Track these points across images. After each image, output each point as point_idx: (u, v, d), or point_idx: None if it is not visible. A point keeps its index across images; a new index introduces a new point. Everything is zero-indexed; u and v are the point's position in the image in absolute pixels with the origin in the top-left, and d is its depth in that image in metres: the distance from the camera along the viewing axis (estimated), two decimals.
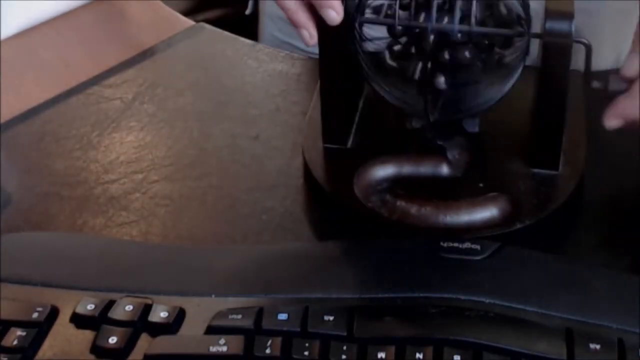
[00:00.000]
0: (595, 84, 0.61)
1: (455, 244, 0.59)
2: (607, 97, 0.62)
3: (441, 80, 0.62)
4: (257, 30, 0.97)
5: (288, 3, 0.63)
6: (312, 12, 0.63)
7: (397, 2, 0.63)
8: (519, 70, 0.63)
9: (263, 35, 0.95)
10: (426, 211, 0.63)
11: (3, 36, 0.84)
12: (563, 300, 0.55)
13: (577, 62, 0.61)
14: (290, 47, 0.87)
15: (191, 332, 0.53)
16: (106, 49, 0.83)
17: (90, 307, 0.55)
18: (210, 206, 0.67)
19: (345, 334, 0.52)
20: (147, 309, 0.54)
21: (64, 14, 0.87)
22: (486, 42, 0.64)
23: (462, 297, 0.55)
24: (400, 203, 0.63)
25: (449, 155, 0.66)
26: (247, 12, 0.95)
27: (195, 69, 0.81)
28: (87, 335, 0.53)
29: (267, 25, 0.94)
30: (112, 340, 0.53)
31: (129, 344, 0.53)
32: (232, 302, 0.55)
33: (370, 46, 0.66)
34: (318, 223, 0.65)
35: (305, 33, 0.64)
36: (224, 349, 0.52)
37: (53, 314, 0.55)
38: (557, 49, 0.60)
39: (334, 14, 0.61)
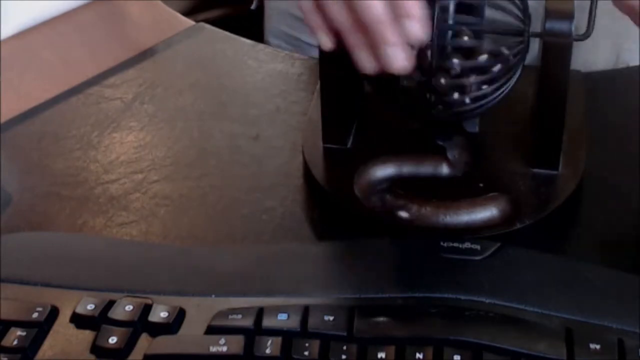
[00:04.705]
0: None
1: (455, 244, 0.59)
2: None
3: (442, 80, 0.62)
4: (261, 26, 0.97)
5: (304, 4, 0.59)
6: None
7: None
8: (519, 70, 0.63)
9: (269, 31, 0.95)
10: (426, 211, 0.63)
11: (3, 36, 0.84)
12: (563, 300, 0.55)
13: (577, 62, 0.61)
14: (297, 42, 0.87)
15: (191, 332, 0.53)
16: (106, 49, 0.83)
17: (90, 307, 0.55)
18: (210, 206, 0.67)
19: (345, 334, 0.52)
20: (147, 309, 0.54)
21: (64, 14, 0.87)
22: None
23: (462, 297, 0.55)
24: (400, 203, 0.63)
25: (449, 155, 0.65)
26: (253, 6, 0.95)
27: (195, 69, 0.81)
28: (87, 335, 0.53)
29: (274, 20, 0.94)
30: (112, 340, 0.53)
31: (129, 344, 0.53)
32: (232, 302, 0.55)
33: None
34: (318, 223, 0.65)
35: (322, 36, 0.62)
36: (224, 349, 0.52)
37: (53, 314, 0.55)
38: (557, 48, 0.60)
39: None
